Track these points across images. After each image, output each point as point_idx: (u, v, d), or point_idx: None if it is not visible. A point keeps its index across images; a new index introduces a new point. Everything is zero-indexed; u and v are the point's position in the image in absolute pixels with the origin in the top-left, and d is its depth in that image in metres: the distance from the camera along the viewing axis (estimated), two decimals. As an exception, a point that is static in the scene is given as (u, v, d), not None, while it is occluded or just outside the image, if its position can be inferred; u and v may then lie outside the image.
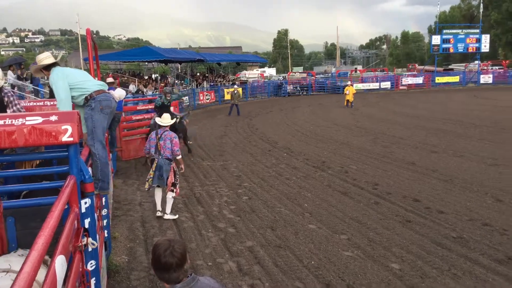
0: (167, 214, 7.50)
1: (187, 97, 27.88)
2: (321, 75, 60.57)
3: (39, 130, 3.01)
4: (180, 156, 7.61)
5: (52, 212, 2.31)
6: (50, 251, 2.13)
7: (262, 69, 70.02)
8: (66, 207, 2.77)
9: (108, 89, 5.33)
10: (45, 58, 4.96)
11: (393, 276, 5.20)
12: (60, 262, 2.15)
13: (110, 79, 10.93)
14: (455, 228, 6.60)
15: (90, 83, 4.93)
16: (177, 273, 2.31)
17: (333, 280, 5.16)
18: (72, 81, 4.82)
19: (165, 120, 7.78)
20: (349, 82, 30.53)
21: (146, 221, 7.52)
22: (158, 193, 7.74)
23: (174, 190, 7.54)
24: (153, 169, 7.52)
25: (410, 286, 4.98)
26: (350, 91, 26.96)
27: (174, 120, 8.12)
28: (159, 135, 7.61)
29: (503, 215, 7.08)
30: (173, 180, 7.49)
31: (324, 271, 5.40)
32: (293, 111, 26.11)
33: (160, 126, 7.69)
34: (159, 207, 7.72)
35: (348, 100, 26.82)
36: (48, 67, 4.94)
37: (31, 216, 3.51)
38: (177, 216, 7.51)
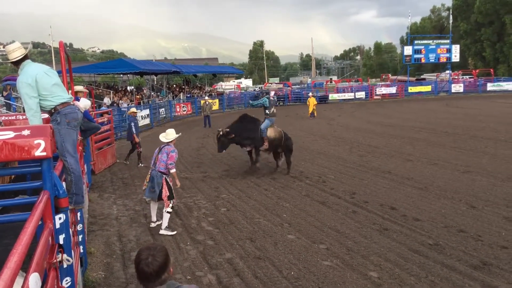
0: (162, 230, 7.33)
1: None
2: (297, 86, 61.05)
3: (11, 145, 2.94)
4: (173, 170, 7.46)
5: (26, 228, 2.26)
6: (24, 268, 2.07)
7: (239, 80, 70.29)
8: (40, 223, 2.71)
9: (75, 99, 5.16)
10: (14, 50, 4.60)
11: (372, 285, 5.23)
12: (34, 280, 2.10)
13: (79, 88, 10.48)
14: (431, 235, 6.70)
15: (56, 98, 4.69)
16: (153, 283, 2.34)
17: (312, 290, 5.16)
18: (41, 92, 4.58)
19: (170, 135, 7.64)
20: (310, 94, 30.94)
21: (123, 235, 7.40)
22: (153, 205, 7.70)
23: (171, 204, 7.41)
24: (147, 180, 7.46)
25: (389, 294, 5.01)
26: (310, 102, 27.39)
27: (179, 135, 7.87)
28: (160, 149, 7.54)
29: (477, 221, 7.22)
30: (168, 194, 7.36)
31: (304, 281, 5.40)
32: (270, 121, 26.16)
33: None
34: (153, 218, 7.68)
35: (309, 111, 27.30)
36: (18, 62, 4.63)
37: (4, 233, 3.42)
38: (175, 232, 7.29)
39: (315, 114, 27.17)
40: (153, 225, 7.63)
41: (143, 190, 7.65)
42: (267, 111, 11.68)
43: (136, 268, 2.36)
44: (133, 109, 14.50)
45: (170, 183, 7.47)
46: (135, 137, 13.41)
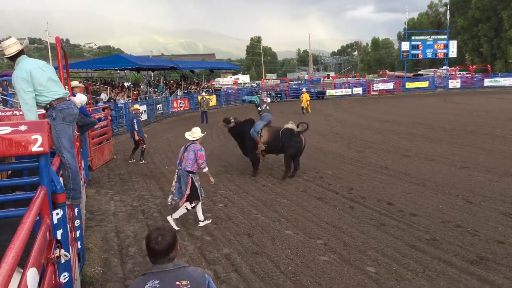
0: (170, 217, 7.30)
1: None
2: (295, 82, 60.99)
3: (8, 140, 2.93)
4: (206, 169, 7.41)
5: (23, 224, 2.25)
6: (22, 263, 2.07)
7: (236, 76, 70.10)
8: (37, 218, 2.70)
9: (72, 94, 5.14)
10: (9, 46, 4.61)
11: (369, 280, 5.25)
12: (31, 275, 2.09)
13: (74, 83, 10.44)
14: (428, 230, 6.72)
15: (51, 93, 4.67)
16: (162, 259, 2.55)
17: (310, 285, 5.18)
18: (36, 87, 4.57)
19: (195, 134, 7.56)
20: (304, 89, 30.92)
21: (120, 231, 7.40)
22: (198, 206, 7.54)
23: (191, 202, 7.33)
24: (175, 179, 7.41)
25: (386, 289, 5.03)
26: (304, 98, 27.33)
27: (204, 134, 7.77)
28: (186, 147, 7.46)
29: (474, 216, 7.25)
30: (189, 193, 7.26)
31: (301, 276, 5.41)
32: (267, 117, 26.13)
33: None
34: (201, 217, 7.53)
35: (302, 107, 27.23)
36: (13, 57, 4.64)
37: (1, 229, 3.42)
38: (178, 229, 7.19)
39: (309, 110, 27.12)
40: (201, 224, 7.44)
41: (172, 191, 7.51)
42: (259, 109, 11.37)
43: (147, 246, 2.58)
44: (136, 106, 14.38)
45: (196, 182, 7.36)
46: (135, 134, 13.31)
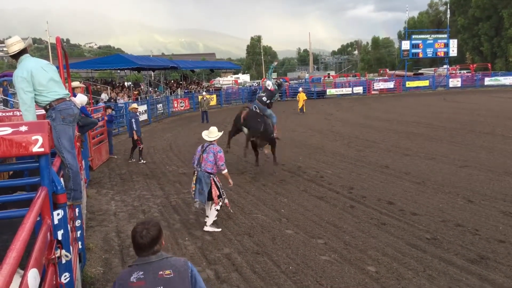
0: (207, 226, 7.25)
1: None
2: (295, 81, 60.88)
3: (9, 141, 2.93)
4: (225, 171, 7.32)
5: (24, 224, 2.26)
6: (23, 264, 2.07)
7: (236, 76, 70.02)
8: (38, 219, 2.71)
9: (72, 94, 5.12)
10: (12, 44, 4.59)
11: (370, 279, 5.25)
12: (33, 276, 2.10)
13: (75, 83, 10.48)
14: (428, 230, 6.73)
15: (51, 94, 4.64)
16: (146, 252, 2.64)
17: (311, 285, 5.18)
18: (36, 87, 4.55)
19: (212, 134, 7.45)
20: (300, 89, 30.95)
21: (121, 231, 7.40)
22: (206, 206, 7.51)
23: (221, 203, 7.29)
24: (194, 181, 7.33)
25: (387, 288, 5.03)
26: (300, 97, 27.36)
27: (221, 134, 7.62)
28: (204, 148, 7.37)
29: (475, 215, 7.25)
30: (218, 193, 7.22)
31: (302, 276, 5.41)
32: (267, 117, 26.10)
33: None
34: (210, 221, 7.45)
35: (298, 106, 27.25)
36: (16, 56, 4.62)
37: (2, 229, 3.42)
38: (219, 229, 7.21)
39: (304, 110, 27.13)
40: (206, 228, 7.35)
41: (192, 192, 7.46)
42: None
43: (132, 239, 2.68)
44: (134, 105, 14.37)
45: (218, 182, 7.33)
46: (134, 134, 13.30)
